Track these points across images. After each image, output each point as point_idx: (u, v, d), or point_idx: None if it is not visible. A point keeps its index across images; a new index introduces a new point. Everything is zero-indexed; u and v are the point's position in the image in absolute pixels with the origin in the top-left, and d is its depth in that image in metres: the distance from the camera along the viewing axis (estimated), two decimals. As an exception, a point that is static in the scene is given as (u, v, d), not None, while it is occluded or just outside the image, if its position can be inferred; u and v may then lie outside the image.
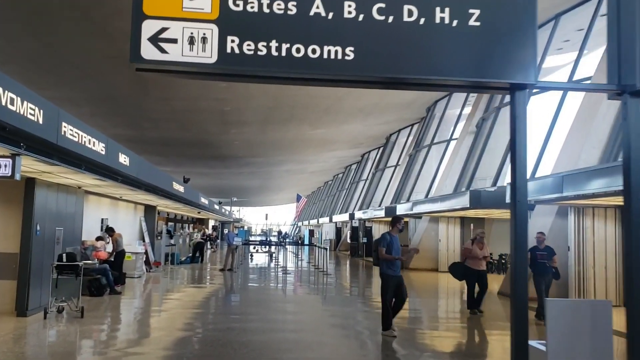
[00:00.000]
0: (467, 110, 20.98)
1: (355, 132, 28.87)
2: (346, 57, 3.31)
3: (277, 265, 22.11)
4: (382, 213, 23.21)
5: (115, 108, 22.43)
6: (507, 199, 11.84)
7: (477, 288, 10.00)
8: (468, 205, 13.29)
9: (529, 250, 9.05)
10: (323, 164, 41.39)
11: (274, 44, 3.27)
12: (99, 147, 7.95)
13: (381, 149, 32.45)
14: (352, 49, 3.32)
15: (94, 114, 22.31)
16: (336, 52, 3.31)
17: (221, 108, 21.75)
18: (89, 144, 7.53)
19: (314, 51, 3.31)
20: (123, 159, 9.44)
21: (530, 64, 3.41)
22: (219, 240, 42.06)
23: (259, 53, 3.27)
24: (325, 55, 3.30)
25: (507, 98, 16.56)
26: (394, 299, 7.77)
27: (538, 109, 15.98)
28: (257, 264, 23.51)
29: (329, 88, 19.56)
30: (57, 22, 13.19)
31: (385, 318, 7.70)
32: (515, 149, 3.40)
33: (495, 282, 13.79)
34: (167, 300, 11.87)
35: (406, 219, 22.65)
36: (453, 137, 21.83)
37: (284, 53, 3.28)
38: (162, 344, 7.21)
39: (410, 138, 27.38)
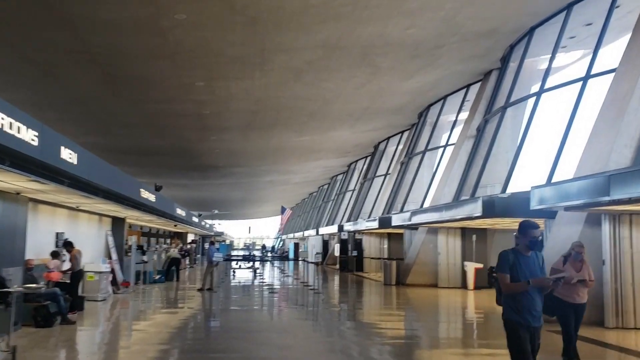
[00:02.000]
0: (464, 115, 19.69)
1: (342, 140, 27.57)
2: None
3: (262, 282, 20.31)
4: (375, 224, 21.61)
5: (84, 112, 20.61)
6: (532, 206, 10.31)
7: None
8: (480, 214, 11.75)
9: None
10: (308, 175, 39.98)
11: None
12: (28, 135, 5.96)
13: (369, 158, 31.06)
14: None
15: (61, 119, 20.47)
16: None
17: (200, 111, 20.10)
18: (11, 129, 5.56)
19: None
20: (67, 154, 7.44)
21: None
22: (199, 255, 39.66)
23: None
24: None
25: (514, 97, 15.16)
26: None
27: (548, 108, 14.59)
28: (239, 282, 21.61)
29: (316, 90, 18.07)
30: (8, 11, 11.40)
31: None
32: None
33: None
34: (132, 331, 9.98)
35: (401, 230, 21.13)
36: (449, 143, 20.52)
37: None
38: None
39: (401, 146, 25.96)
